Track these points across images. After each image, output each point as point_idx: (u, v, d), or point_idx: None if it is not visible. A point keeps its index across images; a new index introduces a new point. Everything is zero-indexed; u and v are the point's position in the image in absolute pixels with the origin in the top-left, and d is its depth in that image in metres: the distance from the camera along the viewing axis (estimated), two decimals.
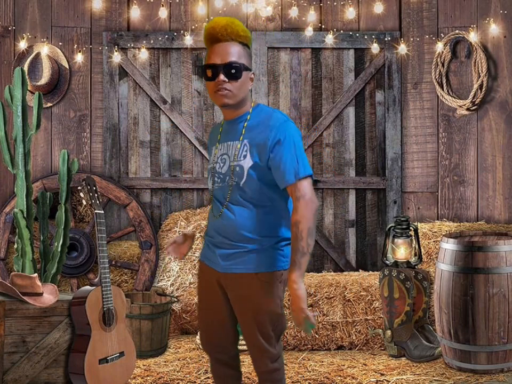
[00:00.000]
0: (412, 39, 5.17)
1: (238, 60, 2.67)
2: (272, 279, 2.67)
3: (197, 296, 2.93)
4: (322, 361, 4.17)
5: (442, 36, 5.11)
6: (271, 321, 2.71)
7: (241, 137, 2.72)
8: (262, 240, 2.68)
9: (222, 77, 2.65)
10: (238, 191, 2.69)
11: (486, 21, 5.03)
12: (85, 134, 5.24)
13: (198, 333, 4.55)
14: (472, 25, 5.06)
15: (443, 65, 5.10)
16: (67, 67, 5.17)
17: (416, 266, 4.48)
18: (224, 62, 2.65)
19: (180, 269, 4.87)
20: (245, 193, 2.68)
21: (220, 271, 2.74)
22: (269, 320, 2.70)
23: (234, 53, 2.67)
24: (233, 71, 2.65)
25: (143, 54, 5.18)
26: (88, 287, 3.65)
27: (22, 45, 5.11)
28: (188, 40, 5.11)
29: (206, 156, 5.22)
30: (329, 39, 5.10)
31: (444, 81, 5.10)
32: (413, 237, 4.49)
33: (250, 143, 2.69)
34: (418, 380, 3.84)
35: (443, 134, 5.17)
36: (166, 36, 5.19)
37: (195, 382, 3.85)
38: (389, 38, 5.15)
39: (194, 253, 4.91)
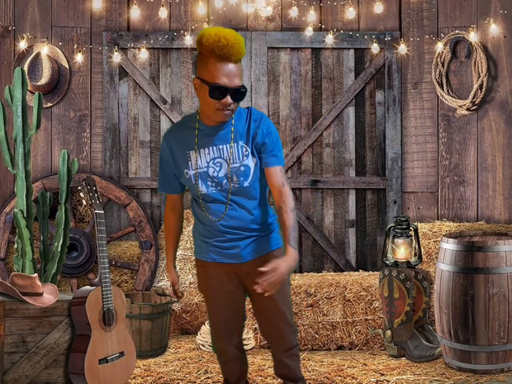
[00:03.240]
0: (411, 39, 5.17)
1: (242, 83, 2.77)
2: (281, 253, 2.94)
3: (208, 294, 3.06)
4: (322, 361, 4.17)
5: (442, 36, 5.11)
6: (290, 292, 3.07)
7: (232, 140, 2.84)
8: (266, 225, 2.97)
9: (229, 99, 2.73)
10: (241, 190, 2.87)
11: (486, 21, 5.03)
12: (85, 134, 5.24)
13: (199, 333, 4.55)
14: (472, 25, 5.06)
15: (443, 65, 5.10)
16: (67, 67, 5.17)
17: (416, 266, 4.48)
18: (234, 86, 2.72)
19: (180, 269, 4.87)
20: (247, 191, 2.88)
21: (240, 262, 2.93)
22: (288, 291, 3.05)
23: (240, 75, 2.75)
24: (239, 95, 2.76)
25: (143, 54, 5.18)
26: (88, 287, 3.65)
27: (22, 45, 5.11)
28: (188, 40, 5.11)
29: None
30: (329, 39, 5.10)
31: (444, 81, 5.10)
32: (413, 237, 4.49)
33: (245, 143, 2.85)
34: (418, 379, 3.84)
35: (443, 134, 5.17)
36: (166, 36, 5.19)
37: (195, 382, 3.85)
38: (389, 38, 5.15)
39: (194, 253, 4.90)
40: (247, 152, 2.84)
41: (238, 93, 2.74)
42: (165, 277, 4.92)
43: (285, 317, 3.01)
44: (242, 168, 2.84)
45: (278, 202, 2.82)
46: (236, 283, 3.00)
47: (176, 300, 3.39)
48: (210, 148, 2.85)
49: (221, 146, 2.85)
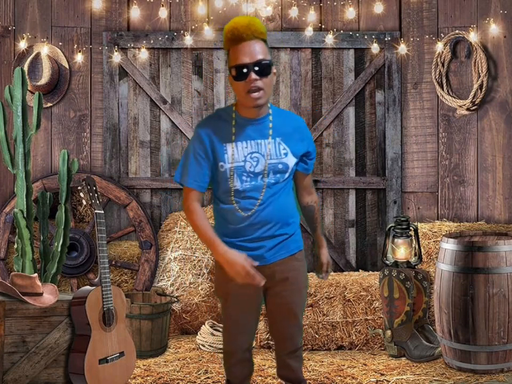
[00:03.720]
0: (412, 39, 5.17)
1: (266, 57, 2.70)
2: (303, 255, 3.00)
3: (228, 296, 2.95)
4: (322, 361, 4.17)
5: (442, 36, 5.11)
6: (305, 296, 3.05)
7: (270, 136, 2.81)
8: (294, 224, 2.94)
9: (253, 75, 2.67)
10: (275, 187, 2.83)
11: (486, 21, 5.03)
12: (85, 134, 5.24)
13: (199, 333, 4.55)
14: (472, 25, 5.06)
15: (443, 65, 5.10)
16: (67, 67, 5.17)
17: (416, 266, 4.48)
18: (254, 61, 2.67)
19: (180, 269, 4.87)
20: (281, 188, 2.86)
21: (263, 264, 2.85)
22: (305, 294, 3.05)
23: (261, 50, 2.70)
24: (263, 68, 2.69)
25: (143, 54, 5.18)
26: (88, 287, 3.65)
27: (22, 45, 5.11)
28: (188, 40, 5.11)
29: None
30: (329, 39, 5.10)
31: (444, 81, 5.10)
32: (413, 237, 4.49)
33: (285, 142, 2.84)
34: (418, 379, 3.84)
35: (443, 134, 5.17)
36: (166, 36, 5.19)
37: (195, 382, 3.85)
38: (389, 38, 5.15)
39: (194, 253, 4.91)
40: (285, 151, 2.83)
41: (261, 66, 2.67)
42: (165, 277, 4.91)
43: (297, 320, 3.00)
44: (280, 166, 2.82)
45: (308, 202, 3.06)
46: (256, 287, 2.93)
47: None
48: (248, 141, 2.79)
49: (259, 141, 2.80)
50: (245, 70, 2.66)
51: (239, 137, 2.80)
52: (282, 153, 2.83)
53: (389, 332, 4.29)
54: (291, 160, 2.85)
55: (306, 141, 2.92)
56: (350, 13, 5.13)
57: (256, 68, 2.67)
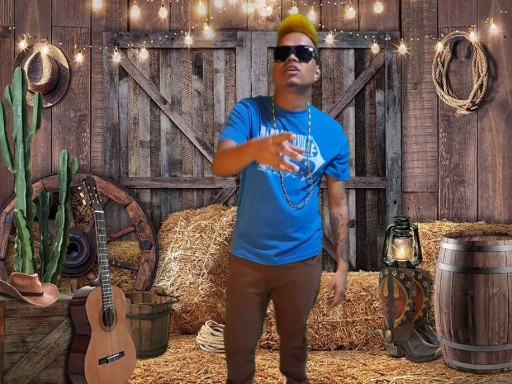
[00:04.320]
0: (412, 39, 5.17)
1: (309, 45, 2.78)
2: (317, 261, 2.98)
3: (235, 292, 2.97)
4: (322, 361, 4.17)
5: (442, 36, 5.11)
6: (314, 299, 3.04)
7: (302, 132, 2.82)
8: (311, 229, 2.92)
9: (293, 56, 2.74)
10: (300, 183, 2.82)
11: (486, 21, 5.03)
12: (85, 134, 5.24)
13: (199, 333, 4.55)
14: (472, 25, 5.06)
15: (443, 65, 5.10)
16: (67, 67, 5.17)
17: (416, 266, 4.48)
18: (296, 44, 2.76)
19: (179, 269, 4.87)
20: (305, 186, 2.85)
21: (272, 265, 2.88)
22: (313, 299, 3.03)
23: (306, 40, 2.78)
24: (304, 52, 2.76)
25: (143, 54, 5.18)
26: (88, 287, 3.65)
27: (22, 45, 5.11)
28: (188, 40, 5.11)
29: (206, 156, 5.22)
30: (329, 39, 5.10)
31: (444, 81, 5.10)
32: (413, 237, 4.49)
33: (317, 142, 2.84)
34: (418, 379, 3.84)
35: (443, 134, 5.17)
36: (166, 36, 5.19)
37: (195, 382, 3.85)
38: (389, 38, 5.15)
39: (194, 253, 4.91)
40: (315, 150, 2.83)
41: (301, 50, 2.75)
42: (165, 277, 4.91)
43: (300, 321, 3.01)
44: (306, 163, 2.81)
45: (334, 213, 3.03)
46: (263, 286, 2.94)
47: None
48: (281, 131, 2.80)
49: (297, 135, 2.81)
50: (286, 52, 2.75)
51: (273, 124, 2.81)
52: (312, 151, 2.83)
53: (389, 332, 4.29)
54: (319, 161, 2.85)
55: (340, 144, 2.92)
56: (350, 13, 5.13)
57: (297, 51, 2.75)
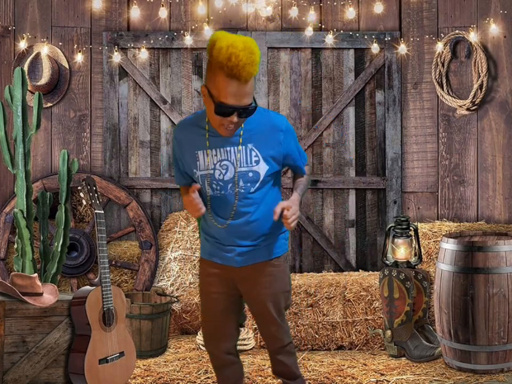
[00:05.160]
0: (412, 39, 5.17)
1: (251, 99, 2.65)
2: (282, 261, 2.94)
3: (203, 293, 3.01)
4: (322, 361, 4.17)
5: (442, 36, 5.11)
6: (284, 298, 2.98)
7: (240, 143, 2.75)
8: (274, 232, 2.89)
9: (235, 118, 2.63)
10: (247, 195, 2.78)
11: (486, 21, 5.03)
12: (85, 134, 5.24)
13: (199, 333, 4.55)
14: (472, 25, 5.06)
15: (443, 65, 5.10)
16: (67, 67, 5.17)
17: (416, 266, 4.48)
18: (241, 105, 2.61)
19: (179, 269, 4.87)
20: (254, 196, 2.79)
21: (236, 266, 2.88)
22: (283, 298, 2.97)
23: (250, 93, 2.63)
24: (247, 113, 2.66)
25: (143, 54, 5.18)
26: (88, 287, 3.65)
27: (22, 45, 5.11)
28: (188, 40, 5.11)
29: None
30: (329, 39, 5.10)
31: (444, 81, 5.10)
32: (413, 237, 4.49)
33: (257, 148, 2.76)
34: (418, 379, 3.84)
35: (443, 134, 5.17)
36: (166, 36, 5.19)
37: (195, 382, 3.85)
38: (389, 38, 5.15)
39: (194, 253, 4.91)
40: (257, 158, 2.75)
41: (246, 112, 2.64)
42: (165, 277, 4.92)
43: (275, 321, 2.97)
44: (250, 174, 2.75)
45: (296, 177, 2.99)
46: (230, 285, 2.94)
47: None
48: (218, 149, 2.76)
49: (228, 149, 2.75)
50: (229, 110, 2.61)
51: (210, 145, 2.77)
52: (253, 160, 2.76)
53: (389, 332, 4.29)
54: (263, 168, 2.76)
55: (284, 143, 2.80)
56: (350, 13, 5.13)
57: (241, 112, 2.63)
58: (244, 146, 2.75)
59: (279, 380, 3.80)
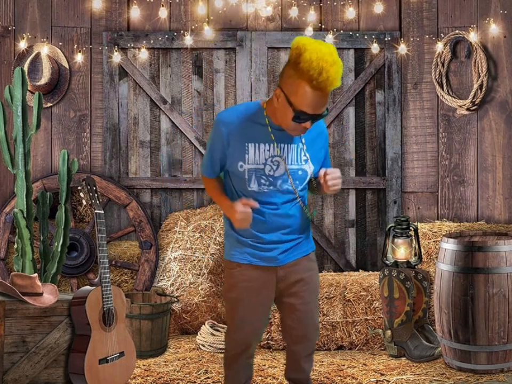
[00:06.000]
0: (412, 39, 5.17)
1: (325, 107, 2.72)
2: (315, 256, 3.05)
3: (238, 300, 2.92)
4: (322, 361, 4.17)
5: (442, 36, 5.11)
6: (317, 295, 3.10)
7: (293, 142, 2.82)
8: (307, 227, 3.00)
9: (310, 124, 2.71)
10: (293, 192, 2.85)
11: (486, 21, 5.03)
12: (85, 134, 5.24)
13: (199, 333, 4.55)
14: (472, 25, 5.06)
15: (443, 65, 5.10)
16: (67, 67, 5.17)
17: (416, 266, 4.48)
18: (318, 113, 2.68)
19: (180, 269, 4.87)
20: (299, 195, 2.87)
21: (277, 265, 2.89)
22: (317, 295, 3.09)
23: (327, 102, 2.71)
24: (320, 118, 2.73)
25: (143, 54, 5.18)
26: (88, 287, 3.65)
27: (22, 45, 5.11)
28: (188, 40, 5.11)
29: None
30: (329, 39, 5.09)
31: (444, 81, 5.10)
32: (413, 237, 4.49)
33: (307, 148, 2.85)
34: (418, 379, 3.84)
35: (443, 134, 5.17)
36: (166, 36, 5.19)
37: (195, 382, 3.85)
38: (389, 38, 5.16)
39: (194, 253, 4.91)
40: (305, 158, 2.85)
41: (319, 117, 2.72)
42: (165, 277, 4.91)
43: (314, 320, 2.99)
44: (300, 172, 2.84)
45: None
46: (270, 287, 2.91)
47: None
48: (271, 144, 2.78)
49: (282, 145, 2.80)
50: (306, 117, 2.67)
51: (262, 139, 2.79)
52: (303, 159, 2.85)
53: (389, 332, 4.29)
54: (310, 168, 2.86)
55: (325, 147, 2.97)
56: (350, 13, 5.13)
57: (316, 118, 2.71)
58: (295, 145, 2.83)
59: (279, 380, 3.80)
